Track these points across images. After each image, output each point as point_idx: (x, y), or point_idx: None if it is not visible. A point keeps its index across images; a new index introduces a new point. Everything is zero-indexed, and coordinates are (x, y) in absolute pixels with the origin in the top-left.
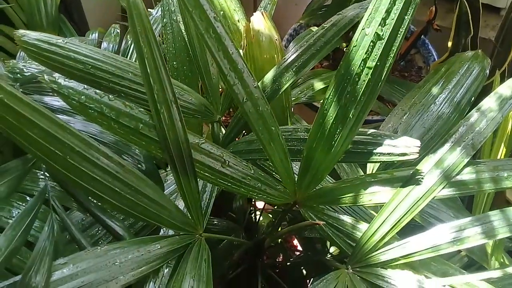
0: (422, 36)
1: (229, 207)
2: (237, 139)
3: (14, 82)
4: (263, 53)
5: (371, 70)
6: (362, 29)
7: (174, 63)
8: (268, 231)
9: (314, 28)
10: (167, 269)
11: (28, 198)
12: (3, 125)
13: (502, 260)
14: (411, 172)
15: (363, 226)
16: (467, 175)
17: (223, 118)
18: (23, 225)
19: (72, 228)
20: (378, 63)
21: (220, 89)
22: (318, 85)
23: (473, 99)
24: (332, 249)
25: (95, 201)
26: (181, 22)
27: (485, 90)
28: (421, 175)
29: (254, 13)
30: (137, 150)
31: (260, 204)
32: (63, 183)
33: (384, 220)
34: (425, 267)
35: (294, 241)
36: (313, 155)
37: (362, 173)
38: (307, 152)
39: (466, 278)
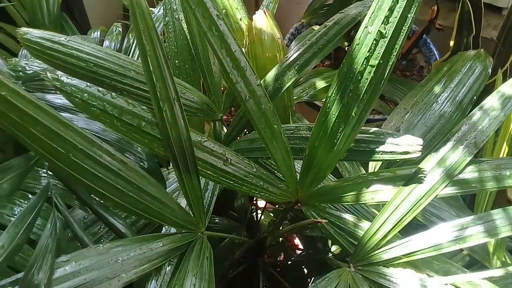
0: (424, 36)
1: (231, 206)
2: (238, 137)
3: (16, 80)
4: (265, 51)
5: (374, 69)
6: (365, 27)
7: (176, 61)
8: (269, 230)
9: (316, 27)
10: (169, 267)
11: (30, 196)
12: (6, 122)
13: (504, 259)
14: (414, 171)
15: (365, 224)
16: (470, 173)
17: (225, 116)
18: (26, 222)
19: (74, 226)
20: (381, 62)
21: (222, 88)
22: (320, 84)
23: (475, 98)
24: (334, 248)
25: (97, 198)
26: (183, 21)
27: (487, 89)
28: (424, 174)
29: (256, 12)
30: (139, 148)
31: (261, 203)
32: (66, 180)
33: (386, 219)
34: (427, 266)
35: (295, 240)
36: (315, 153)
37: (364, 172)
38: (309, 150)
39: (468, 277)
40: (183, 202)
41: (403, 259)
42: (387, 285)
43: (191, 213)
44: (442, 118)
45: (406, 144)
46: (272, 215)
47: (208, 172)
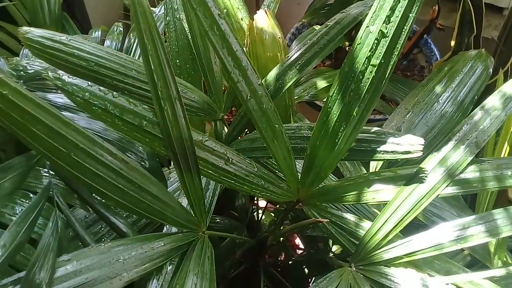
0: (425, 36)
1: (231, 206)
2: (239, 137)
3: (17, 80)
4: (267, 51)
5: (375, 68)
6: (367, 26)
7: (177, 61)
8: (270, 230)
9: (317, 27)
10: (171, 266)
11: (31, 195)
12: (7, 121)
13: (505, 259)
14: (415, 170)
15: (366, 224)
16: (471, 173)
17: (226, 116)
18: (28, 221)
19: (76, 225)
20: (382, 61)
21: (223, 88)
22: (321, 83)
23: (476, 97)
24: (334, 248)
25: (98, 198)
26: (184, 20)
27: (488, 89)
28: (425, 173)
29: (257, 11)
30: (140, 147)
31: (262, 203)
32: (67, 180)
33: (388, 218)
34: (429, 266)
35: (296, 240)
36: (317, 153)
37: (365, 171)
38: (311, 150)
39: (469, 277)
40: (184, 202)
41: (404, 258)
42: (388, 285)
43: (192, 212)
44: (443, 118)
45: (408, 144)
46: (272, 215)
47: (210, 171)
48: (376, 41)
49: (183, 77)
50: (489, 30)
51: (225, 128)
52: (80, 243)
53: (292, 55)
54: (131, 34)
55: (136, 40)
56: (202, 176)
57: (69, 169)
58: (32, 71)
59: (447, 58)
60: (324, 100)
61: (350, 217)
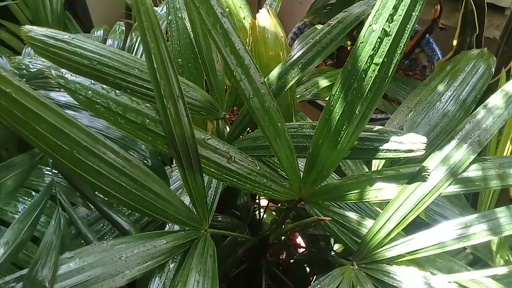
0: (427, 35)
1: (233, 205)
2: (241, 136)
3: (20, 78)
4: (269, 50)
5: (378, 67)
6: (369, 25)
7: (179, 60)
8: (272, 228)
9: (319, 26)
10: (173, 264)
11: (34, 193)
12: (10, 119)
13: (507, 258)
14: (417, 169)
15: (368, 222)
16: (473, 172)
17: (227, 115)
18: (30, 219)
19: (78, 223)
20: (385, 60)
21: (225, 87)
22: (323, 82)
23: (478, 96)
24: (336, 247)
25: (101, 196)
26: (186, 20)
27: (490, 89)
28: (427, 172)
29: (259, 10)
30: (143, 145)
31: (263, 202)
32: (70, 178)
33: (390, 217)
34: (431, 264)
35: (297, 239)
36: (319, 151)
37: (367, 170)
38: (313, 148)
39: (471, 275)
40: (186, 200)
41: (406, 257)
42: (390, 283)
43: (194, 210)
44: (445, 117)
45: (410, 142)
46: (274, 213)
47: (212, 169)
48: (379, 39)
49: (185, 76)
50: (491, 29)
51: (227, 127)
52: (82, 241)
53: (294, 54)
54: (133, 33)
55: (138, 39)
56: (204, 174)
57: (71, 167)
58: (35, 69)
59: (449, 57)
60: (326, 99)
61: (352, 215)
